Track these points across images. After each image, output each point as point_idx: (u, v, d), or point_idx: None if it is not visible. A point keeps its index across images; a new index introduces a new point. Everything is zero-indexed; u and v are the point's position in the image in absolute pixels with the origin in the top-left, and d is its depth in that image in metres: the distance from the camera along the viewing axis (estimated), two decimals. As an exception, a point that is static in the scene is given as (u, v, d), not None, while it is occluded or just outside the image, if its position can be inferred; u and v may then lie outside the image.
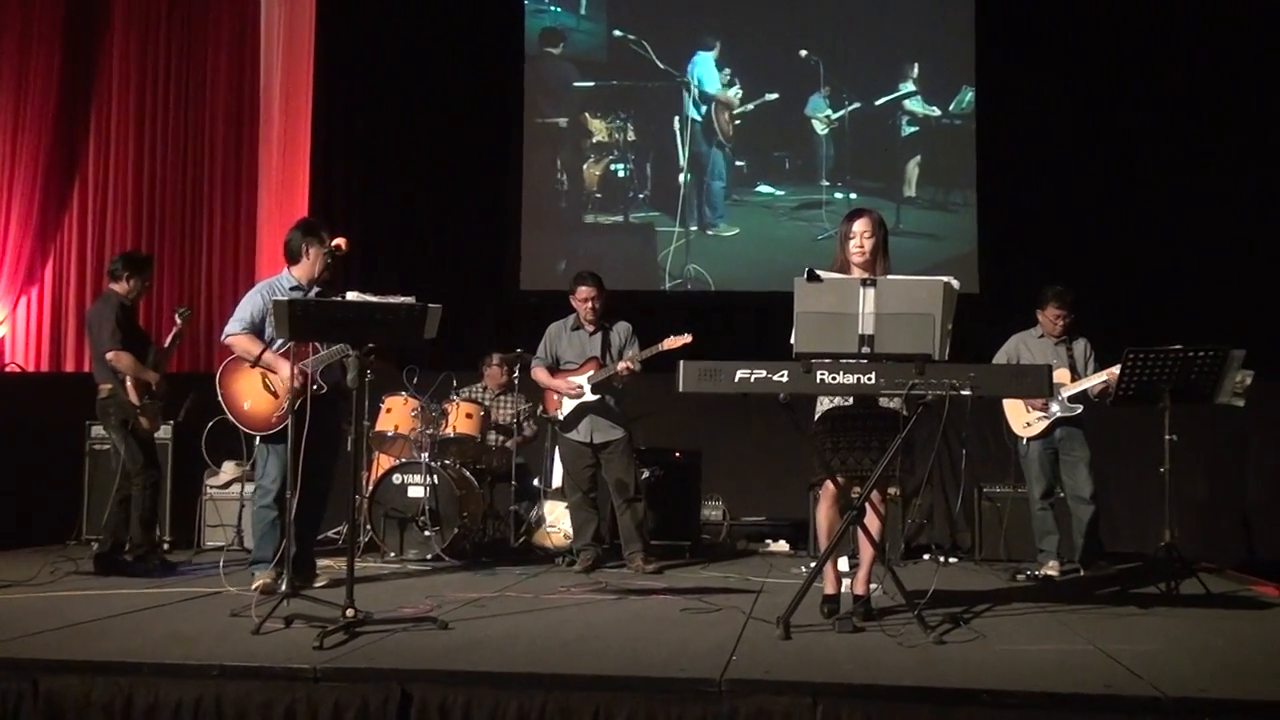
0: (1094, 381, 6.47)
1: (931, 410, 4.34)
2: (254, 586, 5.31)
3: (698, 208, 9.72)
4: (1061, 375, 6.54)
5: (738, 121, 9.74)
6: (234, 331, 5.60)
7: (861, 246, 4.78)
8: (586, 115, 9.91)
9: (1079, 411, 6.60)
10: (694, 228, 9.70)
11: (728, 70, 9.75)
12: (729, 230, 9.70)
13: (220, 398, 5.64)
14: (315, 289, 5.62)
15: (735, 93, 9.71)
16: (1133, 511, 7.89)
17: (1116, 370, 5.88)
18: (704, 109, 9.75)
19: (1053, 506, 6.72)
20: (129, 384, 6.31)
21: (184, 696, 3.65)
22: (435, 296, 4.68)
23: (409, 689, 3.62)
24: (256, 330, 5.58)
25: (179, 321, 6.72)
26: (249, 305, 5.64)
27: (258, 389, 5.62)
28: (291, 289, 5.60)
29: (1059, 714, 3.43)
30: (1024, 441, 6.77)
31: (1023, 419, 6.73)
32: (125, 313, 6.41)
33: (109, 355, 6.29)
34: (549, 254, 9.83)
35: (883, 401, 4.68)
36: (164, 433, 7.83)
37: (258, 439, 5.67)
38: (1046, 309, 6.72)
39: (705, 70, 9.75)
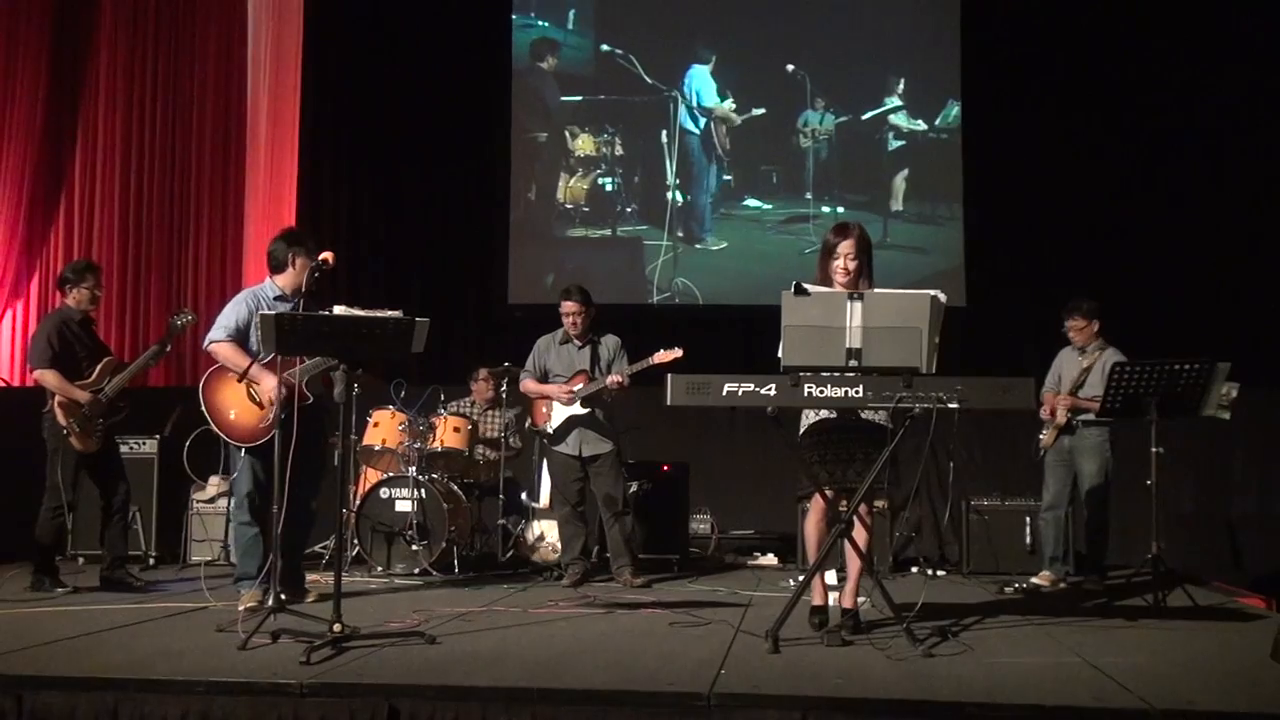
0: (1086, 395, 6.60)
1: (919, 423, 4.35)
2: (241, 606, 5.21)
3: (684, 221, 9.74)
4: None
5: (728, 137, 9.77)
6: (218, 339, 5.47)
7: (846, 269, 4.74)
8: (574, 129, 9.93)
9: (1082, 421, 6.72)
10: (680, 236, 9.71)
11: (721, 84, 9.79)
12: (716, 244, 9.72)
13: (204, 409, 5.51)
14: (299, 299, 5.39)
15: (730, 105, 9.74)
16: (1120, 524, 7.86)
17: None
18: (701, 122, 9.77)
19: (1060, 517, 6.84)
20: (55, 403, 6.15)
21: (169, 712, 3.64)
22: (423, 310, 4.69)
23: (396, 704, 3.60)
24: (240, 338, 5.45)
25: (178, 325, 6.45)
26: (233, 313, 5.51)
27: (243, 399, 5.50)
28: (276, 299, 5.52)
29: (1047, 727, 3.43)
30: (1043, 450, 6.92)
31: (1043, 429, 6.91)
32: (74, 326, 6.28)
33: (34, 374, 6.26)
34: (537, 267, 9.84)
35: (868, 414, 4.69)
36: (149, 447, 7.82)
37: (242, 450, 5.55)
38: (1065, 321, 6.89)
39: (702, 84, 9.77)
